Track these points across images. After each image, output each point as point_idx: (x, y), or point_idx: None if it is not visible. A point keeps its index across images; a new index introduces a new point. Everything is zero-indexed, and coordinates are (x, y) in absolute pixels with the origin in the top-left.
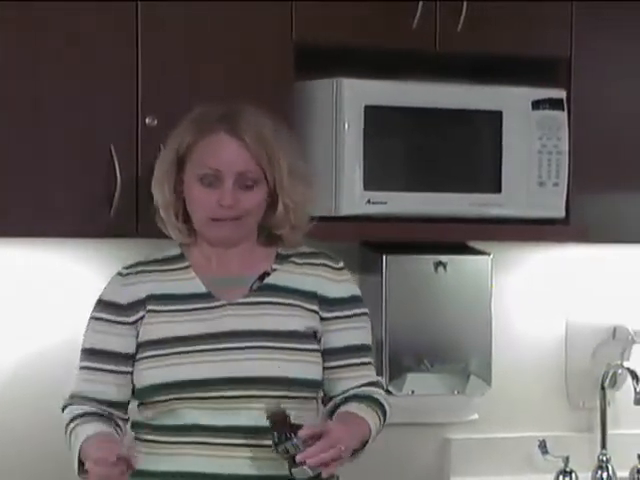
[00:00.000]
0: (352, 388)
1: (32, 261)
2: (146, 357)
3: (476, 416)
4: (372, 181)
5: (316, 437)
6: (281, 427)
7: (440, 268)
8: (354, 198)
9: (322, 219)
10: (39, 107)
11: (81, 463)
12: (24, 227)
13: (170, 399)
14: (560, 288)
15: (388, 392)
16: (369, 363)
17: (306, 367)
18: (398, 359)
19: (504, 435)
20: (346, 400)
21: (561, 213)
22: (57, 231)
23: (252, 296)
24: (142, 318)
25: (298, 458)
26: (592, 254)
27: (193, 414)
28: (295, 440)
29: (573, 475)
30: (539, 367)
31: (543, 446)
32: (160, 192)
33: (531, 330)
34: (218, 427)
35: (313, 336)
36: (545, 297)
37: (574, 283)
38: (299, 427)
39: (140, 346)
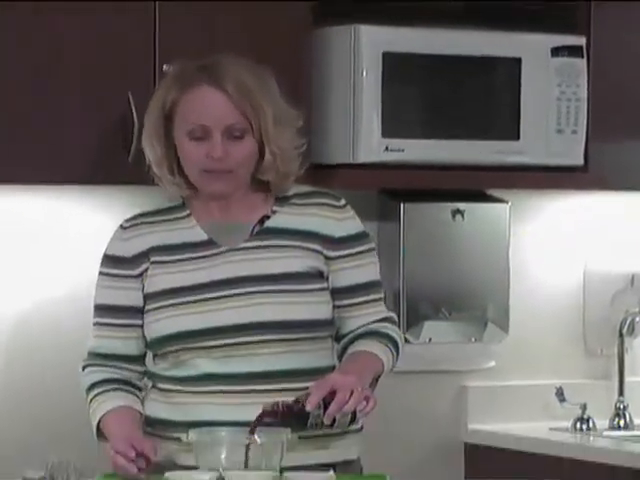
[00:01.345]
0: (364, 325)
1: (50, 209)
2: (153, 309)
3: (493, 364)
4: (390, 128)
5: (328, 394)
6: (291, 413)
7: (458, 216)
8: (372, 146)
9: (340, 167)
10: (56, 55)
11: (98, 430)
12: (42, 174)
13: (180, 349)
14: (578, 236)
15: (405, 340)
16: (379, 299)
17: (314, 307)
18: (415, 307)
19: (521, 382)
20: (357, 337)
21: (579, 160)
22: (75, 178)
23: (253, 240)
24: (146, 270)
25: (326, 421)
26: (611, 201)
27: (205, 363)
28: (312, 413)
29: (590, 422)
30: (557, 314)
31: (560, 393)
32: (151, 149)
33: (549, 278)
34: (231, 374)
35: (318, 276)
36: (563, 245)
37: (592, 231)
38: (305, 398)
39: (147, 298)
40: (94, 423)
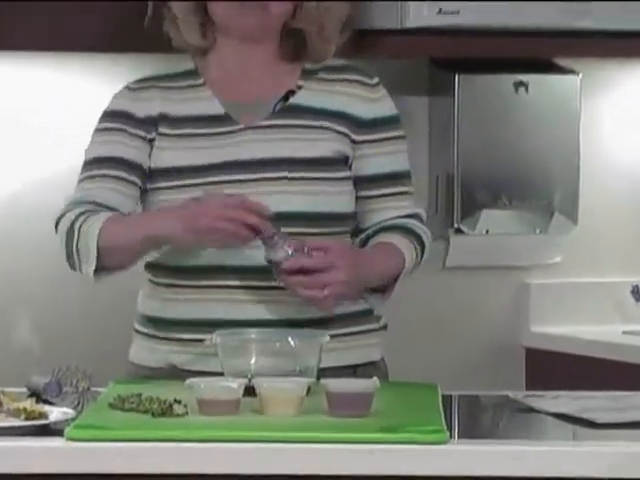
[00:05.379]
0: (387, 220)
1: (61, 77)
2: (157, 188)
3: (559, 258)
4: None
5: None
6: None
7: (521, 89)
8: (422, 7)
9: (386, 32)
10: None
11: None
12: (54, 40)
13: None
14: None
15: (459, 231)
16: (407, 192)
17: (336, 199)
18: (471, 193)
19: (591, 280)
20: (378, 231)
21: None
22: (89, 45)
23: (275, 118)
24: (153, 140)
25: (285, 265)
26: None
27: (213, 253)
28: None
29: None
30: (633, 203)
31: (636, 292)
32: None
33: (625, 161)
34: (240, 268)
35: (344, 162)
36: None
37: None
38: (303, 246)
39: (150, 174)
40: (92, 241)
